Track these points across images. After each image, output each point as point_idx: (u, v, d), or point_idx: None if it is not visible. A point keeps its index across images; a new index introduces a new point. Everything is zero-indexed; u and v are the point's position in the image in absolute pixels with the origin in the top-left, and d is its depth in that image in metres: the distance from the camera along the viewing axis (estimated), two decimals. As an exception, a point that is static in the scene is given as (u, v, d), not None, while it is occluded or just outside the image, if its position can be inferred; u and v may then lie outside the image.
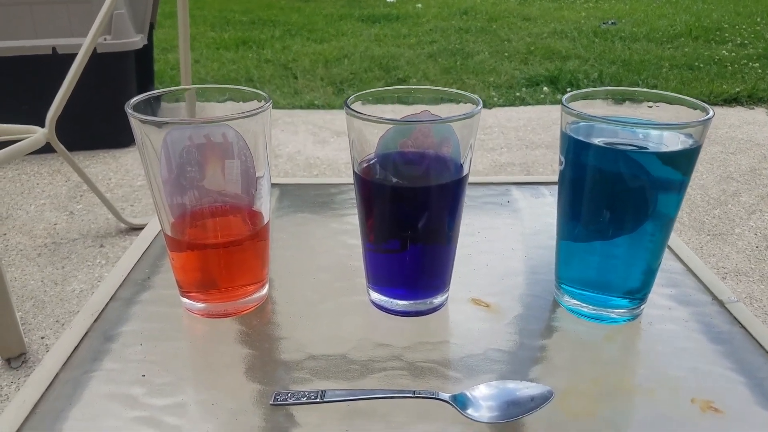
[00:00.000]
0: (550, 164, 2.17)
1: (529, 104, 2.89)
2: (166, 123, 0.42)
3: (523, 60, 3.62)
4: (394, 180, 0.45)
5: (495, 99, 2.92)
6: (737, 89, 2.95)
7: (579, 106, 0.45)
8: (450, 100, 0.47)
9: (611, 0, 5.78)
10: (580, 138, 0.42)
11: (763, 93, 2.93)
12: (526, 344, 0.45)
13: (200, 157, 0.45)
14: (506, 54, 3.76)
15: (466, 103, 0.46)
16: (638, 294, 0.46)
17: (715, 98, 2.88)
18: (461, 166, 0.44)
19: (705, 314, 0.49)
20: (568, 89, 3.05)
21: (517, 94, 3.00)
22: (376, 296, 0.49)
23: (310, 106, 2.90)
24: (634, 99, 0.46)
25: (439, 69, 3.46)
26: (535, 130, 2.50)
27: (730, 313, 0.49)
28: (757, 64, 3.43)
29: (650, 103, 0.46)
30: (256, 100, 0.47)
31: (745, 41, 4.00)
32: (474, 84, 3.18)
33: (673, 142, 0.42)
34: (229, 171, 0.47)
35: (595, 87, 2.62)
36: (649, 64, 3.47)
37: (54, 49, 2.07)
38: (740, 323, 0.48)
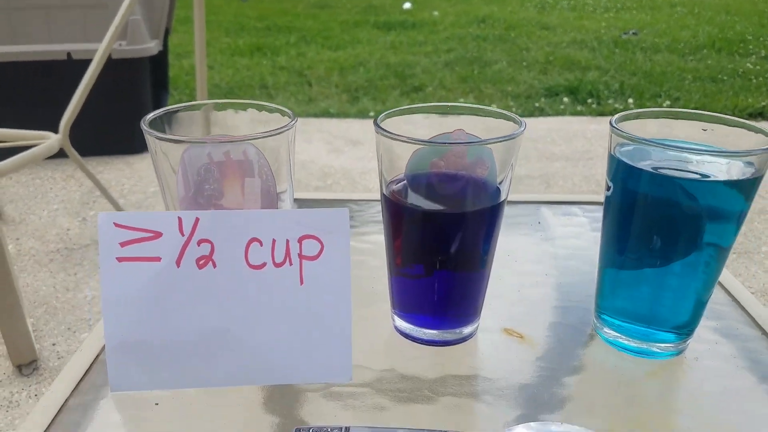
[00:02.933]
0: (570, 177, 2.13)
1: (549, 115, 2.86)
2: (183, 141, 0.40)
3: (542, 70, 3.59)
4: (427, 204, 0.42)
5: (513, 109, 2.89)
6: (763, 103, 2.90)
7: (629, 127, 0.42)
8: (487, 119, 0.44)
9: (632, 10, 5.74)
10: (632, 163, 0.39)
11: (788, 107, 2.88)
12: (565, 380, 0.42)
13: (219, 175, 0.43)
14: (525, 63, 3.72)
15: (506, 120, 0.43)
16: (686, 328, 0.43)
17: (739, 112, 2.83)
18: (498, 190, 0.42)
19: (753, 350, 0.45)
20: (589, 100, 3.01)
21: (536, 104, 2.96)
22: (401, 324, 0.46)
23: (325, 114, 2.89)
24: (688, 121, 0.43)
25: (456, 78, 3.44)
26: (555, 141, 2.47)
27: (782, 350, 0.45)
28: (781, 77, 3.37)
29: (705, 126, 0.42)
30: (279, 114, 0.45)
31: (769, 53, 3.94)
32: (492, 93, 3.15)
33: (732, 170, 0.39)
34: (249, 189, 0.45)
35: (615, 99, 2.55)
36: (671, 76, 3.42)
37: (69, 54, 2.07)
38: (793, 361, 0.44)
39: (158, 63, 2.31)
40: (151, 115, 0.42)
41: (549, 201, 0.68)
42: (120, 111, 2.16)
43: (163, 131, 0.44)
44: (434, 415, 0.39)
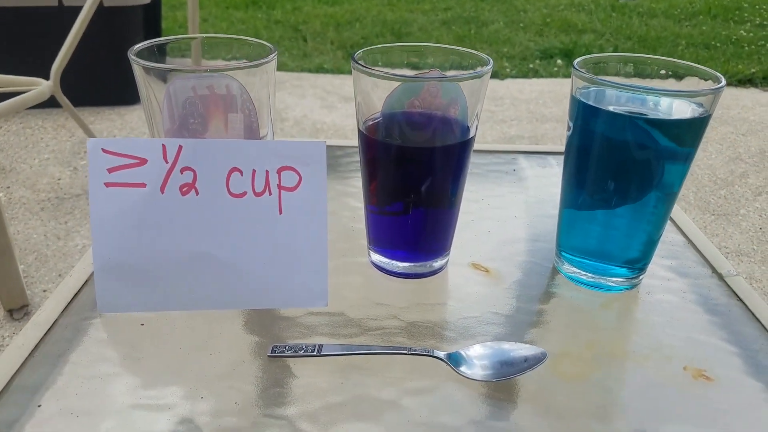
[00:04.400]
0: (560, 138, 2.15)
1: (542, 77, 2.85)
2: (170, 71, 0.42)
3: (538, 31, 3.56)
4: (399, 140, 0.44)
5: (508, 70, 2.88)
6: (752, 70, 2.90)
7: (590, 71, 0.44)
8: (460, 61, 0.46)
9: (630, -27, 5.63)
10: (590, 103, 0.42)
11: (779, 75, 2.88)
12: (523, 308, 0.45)
13: (203, 108, 0.45)
14: (521, 24, 3.69)
15: (475, 63, 0.45)
16: (638, 264, 0.46)
17: (729, 78, 2.83)
18: (468, 128, 0.44)
19: (703, 286, 0.49)
20: (581, 63, 3.00)
21: (531, 65, 2.95)
22: (376, 257, 0.49)
23: (319, 69, 2.87)
24: (647, 67, 0.45)
25: (453, 37, 3.41)
26: (546, 103, 2.48)
27: (729, 286, 0.49)
28: (775, 45, 3.36)
29: (663, 71, 0.45)
30: (261, 53, 0.47)
31: (765, 21, 3.91)
32: (488, 54, 3.13)
33: (683, 110, 0.41)
34: (232, 124, 0.47)
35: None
36: (665, 41, 3.41)
37: (60, 0, 2.04)
38: (738, 296, 0.47)
39: (151, 13, 2.28)
40: (138, 46, 0.43)
41: (525, 151, 0.71)
42: (112, 61, 2.14)
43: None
44: (402, 337, 0.42)
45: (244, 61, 0.48)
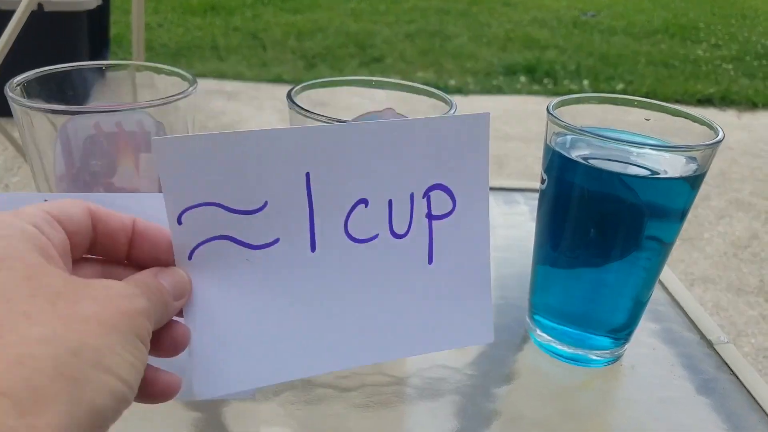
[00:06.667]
0: (523, 158, 2.12)
1: (506, 93, 2.83)
2: (63, 112, 0.34)
3: (502, 47, 3.55)
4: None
5: (471, 86, 2.85)
6: (711, 90, 2.94)
7: (567, 113, 0.38)
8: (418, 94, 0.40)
9: (591, -9, 5.74)
10: (570, 156, 0.35)
11: (735, 96, 2.93)
12: (491, 391, 0.38)
13: (109, 148, 0.37)
14: (485, 40, 3.68)
15: (437, 100, 0.39)
16: (623, 332, 0.40)
17: (689, 98, 2.86)
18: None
19: (692, 356, 0.43)
20: (545, 80, 2.99)
21: (494, 82, 2.93)
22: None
23: (278, 80, 2.78)
24: (631, 108, 0.39)
25: (417, 50, 3.37)
26: (510, 122, 2.45)
27: (719, 356, 0.43)
28: (731, 66, 3.43)
29: (647, 116, 0.39)
30: (179, 78, 0.39)
31: (720, 42, 4.01)
32: (452, 69, 3.09)
33: (674, 165, 0.35)
34: (145, 165, 0.39)
35: (571, 79, 2.52)
36: (626, 58, 3.44)
37: (-3, 3, 1.91)
38: (730, 368, 0.42)
39: (98, 18, 2.16)
40: (20, 78, 0.35)
41: (490, 187, 0.65)
42: (54, 68, 2.01)
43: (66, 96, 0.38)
44: (344, 427, 0.35)
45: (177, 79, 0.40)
